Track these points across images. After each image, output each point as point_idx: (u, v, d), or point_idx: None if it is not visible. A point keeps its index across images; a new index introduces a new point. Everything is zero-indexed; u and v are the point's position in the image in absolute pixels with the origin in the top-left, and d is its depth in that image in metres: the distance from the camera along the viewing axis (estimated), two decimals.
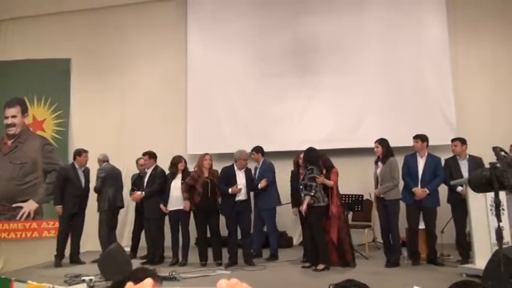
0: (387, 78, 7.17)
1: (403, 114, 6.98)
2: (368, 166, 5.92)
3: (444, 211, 5.86)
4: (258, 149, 6.41)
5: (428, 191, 5.29)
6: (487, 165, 4.99)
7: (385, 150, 5.47)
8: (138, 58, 8.15)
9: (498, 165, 2.02)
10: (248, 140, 6.84)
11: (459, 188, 5.31)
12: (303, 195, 5.34)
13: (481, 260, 4.17)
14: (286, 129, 7.26)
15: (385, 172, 5.40)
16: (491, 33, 7.13)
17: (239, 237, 5.83)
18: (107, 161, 6.57)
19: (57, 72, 8.26)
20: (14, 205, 8.00)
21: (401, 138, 6.36)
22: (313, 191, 5.26)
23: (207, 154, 5.99)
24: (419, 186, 5.34)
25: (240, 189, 5.66)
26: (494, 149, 2.12)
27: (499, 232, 2.10)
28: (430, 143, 6.04)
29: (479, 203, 4.59)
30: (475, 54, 7.18)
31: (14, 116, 8.29)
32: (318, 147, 5.73)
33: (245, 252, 5.72)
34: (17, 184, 8.06)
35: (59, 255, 6.15)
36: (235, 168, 5.85)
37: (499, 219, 2.13)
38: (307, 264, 5.37)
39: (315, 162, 5.41)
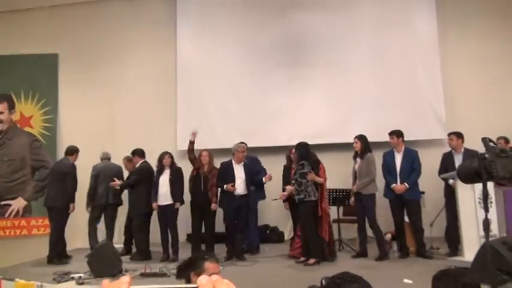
0: (377, 73, 7.20)
1: (393, 109, 7.02)
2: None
3: (434, 205, 5.91)
4: None
5: (407, 186, 5.37)
6: None
7: (363, 146, 5.56)
8: (127, 53, 8.07)
9: (486, 155, 2.02)
10: (239, 135, 6.81)
11: (450, 181, 5.37)
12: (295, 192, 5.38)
13: (469, 253, 4.21)
14: (277, 124, 7.25)
15: (363, 167, 5.50)
16: (480, 28, 7.19)
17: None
18: (108, 158, 6.64)
19: (45, 67, 8.14)
20: (2, 203, 7.88)
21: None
22: (303, 187, 5.30)
23: (204, 150, 6.05)
24: (398, 181, 5.44)
25: (235, 189, 5.66)
26: (483, 139, 2.13)
27: (486, 223, 2.11)
28: (420, 137, 6.11)
29: (468, 196, 4.63)
30: (465, 49, 7.24)
31: (1, 113, 8.15)
32: (309, 142, 5.71)
33: (237, 247, 5.72)
34: (4, 181, 7.94)
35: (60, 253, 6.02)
36: (233, 162, 5.85)
37: (487, 211, 2.14)
38: (302, 259, 5.34)
39: (306, 157, 5.43)
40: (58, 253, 5.83)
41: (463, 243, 4.60)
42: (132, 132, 7.60)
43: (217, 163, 6.20)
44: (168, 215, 5.92)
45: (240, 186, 5.77)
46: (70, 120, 8.02)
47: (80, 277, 4.44)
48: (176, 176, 5.97)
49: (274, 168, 6.24)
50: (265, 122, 7.30)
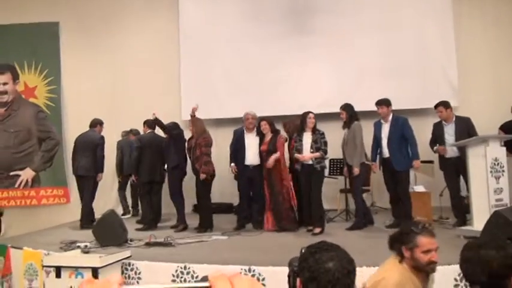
0: (388, 38, 6.91)
1: (404, 76, 6.79)
2: (366, 129, 5.81)
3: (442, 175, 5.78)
4: None
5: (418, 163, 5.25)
6: (478, 126, 5.27)
7: (348, 116, 5.43)
8: (129, 20, 7.87)
9: None
10: (245, 104, 6.68)
11: (434, 148, 5.31)
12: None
13: (479, 222, 4.12)
14: (284, 92, 7.08)
15: (349, 138, 5.41)
16: None
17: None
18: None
19: (46, 36, 7.98)
20: (11, 173, 7.95)
21: (403, 101, 6.24)
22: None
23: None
24: (387, 152, 5.30)
25: (235, 174, 5.73)
26: None
27: None
28: (431, 106, 5.89)
29: (479, 165, 4.49)
30: (479, 14, 6.89)
31: (5, 83, 8.08)
32: (316, 111, 5.61)
33: (254, 217, 5.68)
34: (12, 152, 7.97)
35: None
36: (245, 131, 5.75)
37: None
38: (311, 228, 5.25)
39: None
40: (91, 220, 6.07)
41: (473, 213, 4.50)
42: (135, 101, 7.49)
43: (223, 133, 6.11)
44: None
45: (252, 157, 5.65)
46: (73, 90, 7.92)
47: (86, 246, 4.47)
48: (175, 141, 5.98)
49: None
50: (272, 89, 7.13)
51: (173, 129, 5.95)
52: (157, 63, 7.68)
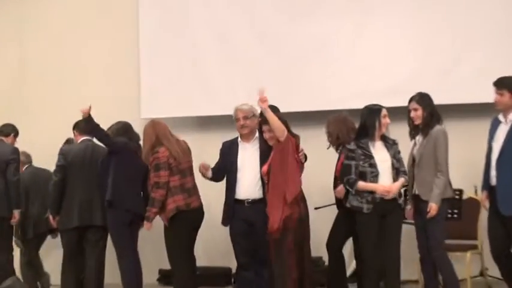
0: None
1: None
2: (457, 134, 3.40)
3: None
4: None
5: None
6: None
7: (428, 114, 3.07)
8: None
9: None
10: (236, 95, 4.11)
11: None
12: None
13: None
14: (309, 79, 4.41)
15: (426, 151, 3.05)
16: None
17: None
18: None
19: None
20: None
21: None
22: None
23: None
24: (493, 172, 3.01)
25: (208, 172, 3.36)
26: None
27: None
28: None
29: None
30: None
31: None
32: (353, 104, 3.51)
33: None
34: None
35: None
36: (239, 142, 3.38)
37: None
38: None
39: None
40: None
41: None
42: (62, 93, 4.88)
43: (213, 140, 3.55)
44: None
45: (248, 186, 3.22)
46: None
47: None
48: None
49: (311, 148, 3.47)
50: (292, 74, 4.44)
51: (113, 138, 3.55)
52: (100, 37, 5.03)
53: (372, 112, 3.01)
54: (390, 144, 3.03)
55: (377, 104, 3.07)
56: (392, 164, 2.97)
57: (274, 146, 2.98)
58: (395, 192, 2.95)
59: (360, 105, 3.21)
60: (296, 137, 3.05)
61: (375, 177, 2.91)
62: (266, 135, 3.03)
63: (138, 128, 3.74)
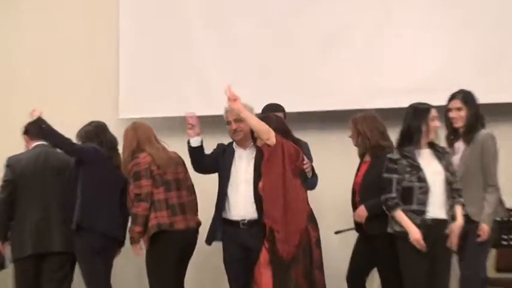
0: None
1: None
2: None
3: None
4: None
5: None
6: None
7: (472, 115, 2.54)
8: None
9: None
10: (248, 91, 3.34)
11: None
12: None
13: None
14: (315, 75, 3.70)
15: (471, 161, 2.53)
16: None
17: None
18: None
19: None
20: None
21: None
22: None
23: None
24: None
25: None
26: None
27: None
28: None
29: None
30: None
31: None
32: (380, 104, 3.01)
33: None
34: None
35: None
36: (235, 147, 2.79)
37: None
38: None
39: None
40: None
41: None
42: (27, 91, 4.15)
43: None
44: None
45: (244, 203, 2.65)
46: None
47: None
48: None
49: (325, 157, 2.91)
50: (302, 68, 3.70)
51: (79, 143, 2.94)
52: (74, 27, 4.26)
53: (418, 113, 2.41)
54: (441, 153, 2.44)
55: (424, 102, 2.47)
56: (447, 178, 2.38)
57: (264, 151, 2.38)
58: (459, 225, 2.35)
59: (380, 104, 2.63)
60: (299, 143, 2.50)
61: (424, 194, 2.33)
62: (258, 141, 2.44)
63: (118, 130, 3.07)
